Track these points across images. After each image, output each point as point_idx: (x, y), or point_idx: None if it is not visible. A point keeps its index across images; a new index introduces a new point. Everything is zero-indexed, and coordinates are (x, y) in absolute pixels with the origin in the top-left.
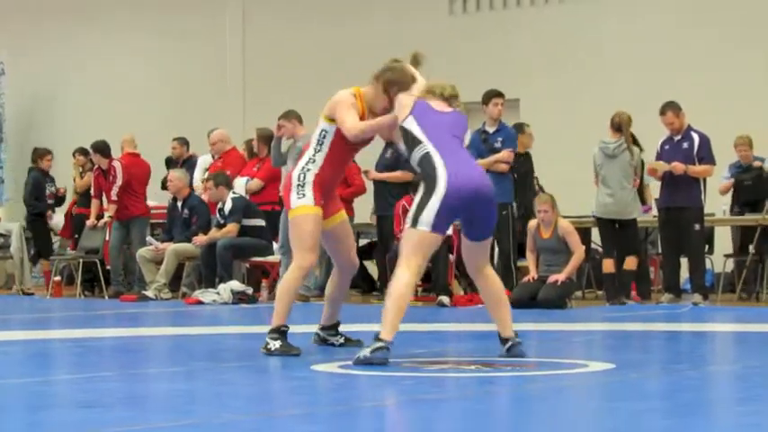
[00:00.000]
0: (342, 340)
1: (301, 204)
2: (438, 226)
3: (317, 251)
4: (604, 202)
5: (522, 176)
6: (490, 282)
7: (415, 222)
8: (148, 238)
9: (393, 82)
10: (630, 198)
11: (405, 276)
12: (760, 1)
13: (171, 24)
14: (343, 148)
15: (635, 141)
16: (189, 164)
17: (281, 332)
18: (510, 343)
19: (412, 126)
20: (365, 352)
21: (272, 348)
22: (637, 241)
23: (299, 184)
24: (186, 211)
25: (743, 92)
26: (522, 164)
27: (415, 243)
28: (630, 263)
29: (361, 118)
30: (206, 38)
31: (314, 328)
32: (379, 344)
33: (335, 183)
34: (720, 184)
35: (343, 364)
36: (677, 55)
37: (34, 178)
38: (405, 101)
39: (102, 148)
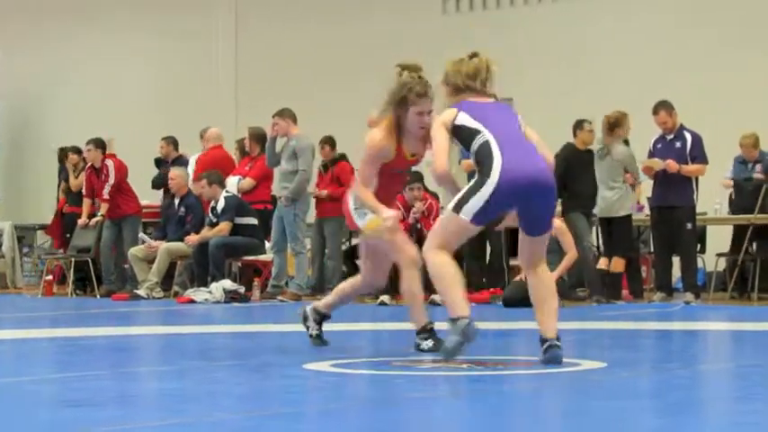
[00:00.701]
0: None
1: (370, 219)
2: (479, 217)
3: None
4: (598, 201)
5: (585, 174)
6: (540, 280)
7: (458, 208)
8: (141, 235)
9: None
10: (616, 197)
11: (437, 257)
12: (756, 1)
13: (165, 25)
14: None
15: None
16: (178, 163)
17: (428, 331)
18: (547, 344)
19: (465, 120)
20: (453, 337)
21: (426, 348)
22: (625, 241)
23: (355, 207)
24: (183, 209)
25: (739, 91)
26: (585, 160)
27: (450, 230)
28: (616, 264)
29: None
30: (199, 38)
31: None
32: (463, 321)
33: (388, 202)
34: (723, 180)
35: (336, 363)
36: (670, 54)
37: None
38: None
39: (103, 145)
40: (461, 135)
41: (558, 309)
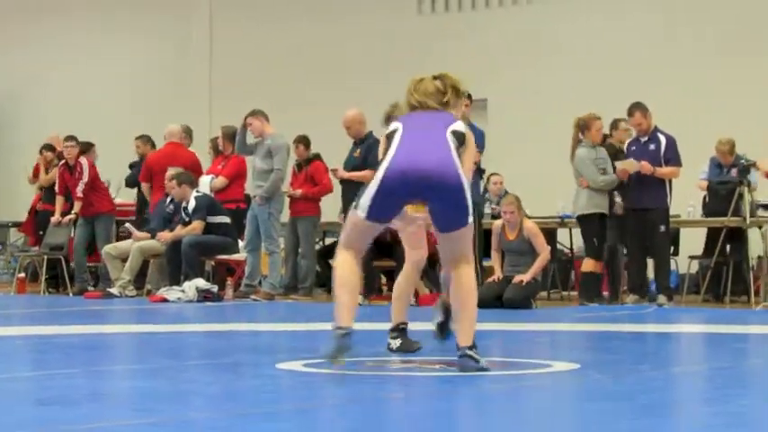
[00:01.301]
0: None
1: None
2: (373, 212)
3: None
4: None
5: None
6: (459, 283)
7: (356, 205)
8: (127, 225)
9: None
10: (578, 197)
11: (339, 256)
12: (734, 7)
13: (141, 26)
14: None
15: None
16: None
17: (399, 330)
18: (460, 352)
19: (394, 126)
20: (330, 343)
21: (393, 347)
22: (588, 241)
23: None
24: (172, 207)
25: (715, 94)
26: (622, 159)
27: (350, 227)
28: (585, 264)
29: None
30: (174, 40)
31: (281, 327)
32: (338, 332)
33: None
34: (699, 181)
35: (308, 363)
36: (645, 55)
37: None
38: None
39: (80, 143)
40: (389, 142)
41: (474, 312)
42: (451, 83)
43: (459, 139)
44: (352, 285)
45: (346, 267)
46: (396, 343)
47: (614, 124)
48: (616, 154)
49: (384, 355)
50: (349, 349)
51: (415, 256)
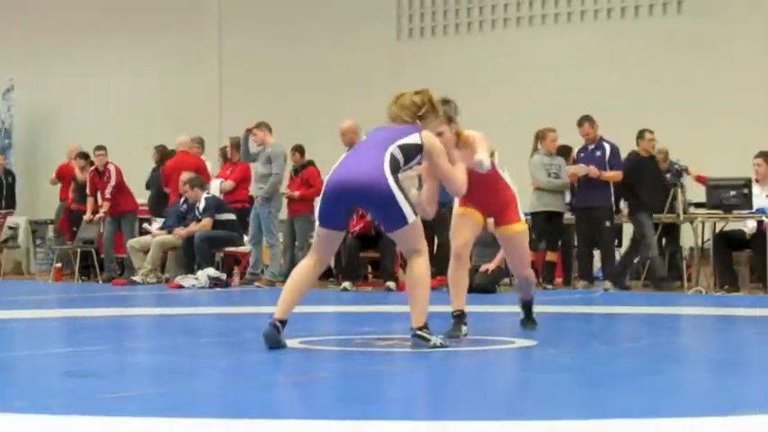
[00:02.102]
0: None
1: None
2: (322, 220)
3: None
4: None
5: (650, 178)
6: (410, 271)
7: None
8: (145, 226)
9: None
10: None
11: (301, 260)
12: (669, 28)
13: (160, 46)
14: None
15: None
16: None
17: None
18: (412, 332)
19: None
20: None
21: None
22: (543, 235)
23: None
24: (185, 206)
25: (652, 108)
26: (647, 166)
27: (315, 236)
28: (549, 255)
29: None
30: (188, 58)
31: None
32: (270, 321)
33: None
34: None
35: (304, 341)
36: (593, 76)
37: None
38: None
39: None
40: None
41: (423, 297)
42: (428, 97)
43: (410, 150)
44: (297, 289)
45: (301, 273)
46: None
47: (640, 134)
48: (641, 162)
49: (371, 333)
50: (274, 337)
51: (453, 247)
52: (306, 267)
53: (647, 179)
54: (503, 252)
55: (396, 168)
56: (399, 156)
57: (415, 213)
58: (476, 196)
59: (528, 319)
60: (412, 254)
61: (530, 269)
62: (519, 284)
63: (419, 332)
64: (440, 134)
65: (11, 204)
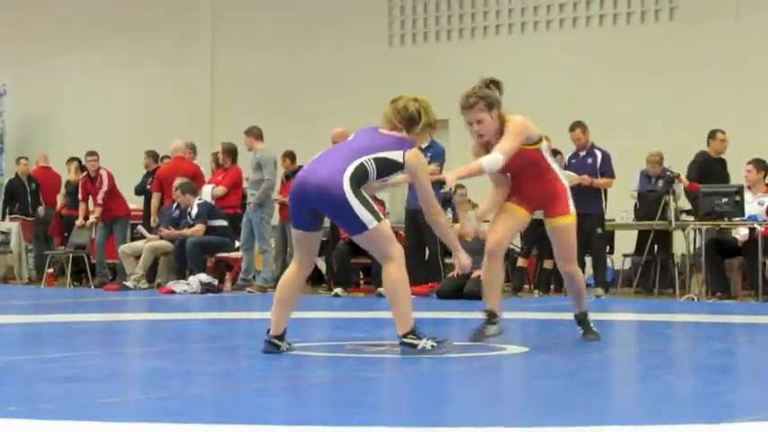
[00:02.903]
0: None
1: None
2: (292, 220)
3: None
4: None
5: (718, 181)
6: (384, 280)
7: None
8: (139, 227)
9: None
10: None
11: (287, 269)
12: (661, 37)
13: (152, 53)
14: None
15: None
16: (155, 174)
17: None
18: (398, 341)
19: None
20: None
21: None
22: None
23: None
24: (178, 212)
25: (643, 115)
26: (717, 167)
27: (292, 239)
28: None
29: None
30: (181, 65)
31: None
32: (266, 337)
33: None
34: (631, 192)
35: (296, 346)
36: (586, 83)
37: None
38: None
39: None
40: None
41: (402, 303)
42: (424, 106)
43: (387, 167)
44: (285, 300)
45: (286, 282)
46: (489, 329)
47: (712, 134)
48: (709, 163)
49: (361, 340)
50: (274, 353)
51: (487, 246)
52: (290, 275)
53: (715, 180)
54: None
55: (361, 178)
56: (371, 168)
57: (378, 219)
58: (522, 188)
59: (587, 332)
60: (383, 260)
61: (573, 266)
62: (567, 287)
63: (405, 339)
64: (479, 121)
65: (30, 212)
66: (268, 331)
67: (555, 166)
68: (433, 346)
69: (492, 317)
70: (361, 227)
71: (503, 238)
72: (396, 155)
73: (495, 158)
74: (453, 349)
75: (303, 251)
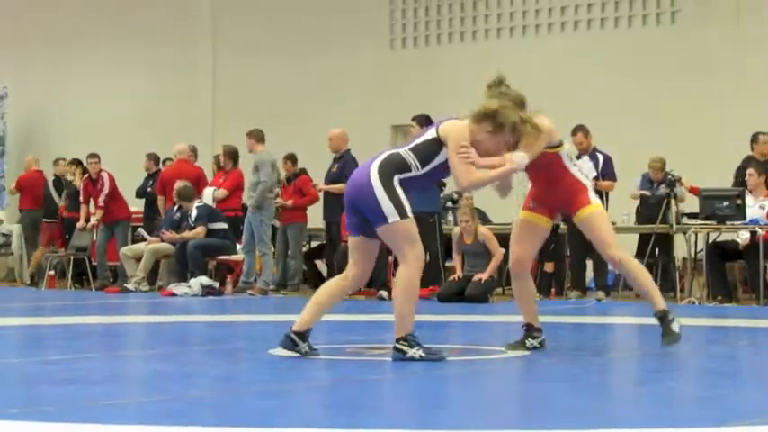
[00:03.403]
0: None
1: None
2: (346, 225)
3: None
4: None
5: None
6: (394, 280)
7: None
8: (140, 230)
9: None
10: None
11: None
12: (666, 34)
13: (154, 58)
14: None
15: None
16: (155, 177)
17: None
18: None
19: None
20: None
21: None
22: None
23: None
24: (179, 214)
25: (643, 117)
26: (764, 169)
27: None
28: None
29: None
30: (183, 69)
31: (273, 318)
32: (287, 331)
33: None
34: (632, 192)
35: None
36: (594, 83)
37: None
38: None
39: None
40: None
41: (401, 308)
42: (499, 103)
43: (426, 148)
44: (319, 302)
45: (328, 285)
46: (531, 342)
47: (754, 138)
48: (758, 165)
49: (361, 343)
50: (289, 349)
51: (510, 259)
52: (334, 280)
53: None
54: (495, 261)
55: (399, 167)
56: (409, 157)
57: (403, 216)
58: (541, 194)
59: (664, 332)
60: (400, 259)
61: (613, 250)
62: (629, 282)
63: (397, 344)
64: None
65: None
66: (291, 327)
67: (574, 170)
68: (421, 356)
69: (530, 330)
70: (382, 219)
71: (524, 259)
72: (429, 134)
73: (522, 156)
74: (445, 362)
75: (355, 258)
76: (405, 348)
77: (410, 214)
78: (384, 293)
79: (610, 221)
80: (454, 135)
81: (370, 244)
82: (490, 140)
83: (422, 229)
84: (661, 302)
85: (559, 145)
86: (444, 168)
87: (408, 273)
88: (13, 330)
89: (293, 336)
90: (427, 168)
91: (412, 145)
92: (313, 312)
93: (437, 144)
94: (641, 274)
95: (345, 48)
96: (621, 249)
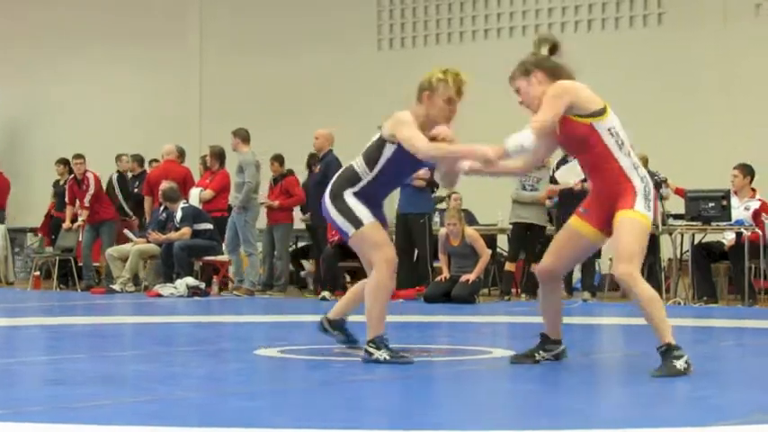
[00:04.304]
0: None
1: None
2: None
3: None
4: None
5: None
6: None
7: None
8: (125, 231)
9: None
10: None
11: None
12: (653, 36)
13: (141, 58)
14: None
15: None
16: (141, 178)
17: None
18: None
19: None
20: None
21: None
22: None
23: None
24: (164, 215)
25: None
26: None
27: None
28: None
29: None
30: (169, 69)
31: (259, 319)
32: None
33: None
34: None
35: (283, 349)
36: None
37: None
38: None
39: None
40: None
41: (371, 310)
42: (431, 75)
43: (372, 151)
44: (354, 290)
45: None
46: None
47: None
48: None
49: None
50: (322, 333)
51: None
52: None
53: None
54: (482, 263)
55: (351, 180)
56: (360, 167)
57: (357, 226)
58: (592, 189)
59: (663, 366)
60: (371, 266)
61: (624, 265)
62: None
63: (366, 346)
64: (517, 91)
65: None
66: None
67: (623, 158)
68: (386, 359)
69: (545, 341)
70: (345, 234)
71: (555, 270)
72: (376, 135)
73: (522, 136)
74: (411, 365)
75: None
76: (371, 350)
77: (366, 220)
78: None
79: (646, 236)
80: (397, 117)
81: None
82: (431, 108)
83: (412, 229)
84: (670, 336)
85: (596, 114)
86: (395, 164)
87: (378, 276)
88: None
89: (323, 321)
90: (376, 170)
91: (363, 150)
92: (346, 301)
93: (383, 142)
94: (649, 304)
95: (333, 48)
96: (635, 269)
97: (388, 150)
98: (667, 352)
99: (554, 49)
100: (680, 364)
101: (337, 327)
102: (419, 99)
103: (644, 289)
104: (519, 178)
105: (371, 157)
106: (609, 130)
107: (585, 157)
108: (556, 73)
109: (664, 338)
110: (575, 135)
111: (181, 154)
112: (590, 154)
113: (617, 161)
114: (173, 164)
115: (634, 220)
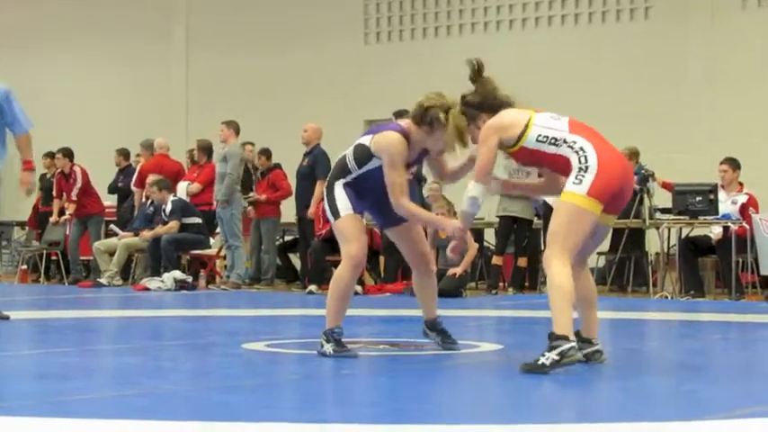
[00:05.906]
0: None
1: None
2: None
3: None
4: None
5: None
6: None
7: None
8: (111, 227)
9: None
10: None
11: None
12: (641, 30)
13: (127, 50)
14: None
15: None
16: (126, 172)
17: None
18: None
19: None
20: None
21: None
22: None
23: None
24: (152, 209)
25: (618, 112)
26: None
27: None
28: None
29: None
30: (156, 62)
31: (247, 312)
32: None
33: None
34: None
35: (270, 343)
36: (564, 78)
37: None
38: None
39: (69, 153)
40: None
41: (331, 302)
42: (420, 104)
43: (361, 154)
44: (416, 290)
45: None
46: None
47: None
48: None
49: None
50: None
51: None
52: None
53: None
54: (469, 257)
55: (344, 171)
56: (350, 161)
57: (337, 216)
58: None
59: (537, 359)
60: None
61: (546, 252)
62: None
63: (322, 336)
64: (473, 140)
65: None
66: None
67: (556, 149)
68: (330, 353)
69: (550, 339)
70: (330, 221)
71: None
72: (366, 139)
73: (471, 191)
74: (355, 358)
75: (403, 250)
76: (323, 342)
77: (344, 212)
78: (357, 288)
79: (571, 215)
80: (389, 150)
81: (397, 233)
82: (428, 139)
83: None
84: (560, 327)
85: (522, 137)
86: (380, 173)
87: (339, 270)
88: None
89: (424, 326)
90: (363, 170)
91: (356, 143)
92: (420, 301)
93: (370, 153)
94: (552, 289)
95: (319, 42)
96: (553, 253)
97: (374, 163)
98: (549, 342)
99: (480, 69)
100: (547, 358)
101: (433, 328)
102: (417, 125)
103: (554, 274)
104: (508, 170)
105: (360, 158)
106: (537, 139)
107: (539, 167)
108: (492, 106)
109: (554, 327)
110: (518, 159)
111: (147, 148)
112: (538, 164)
113: (559, 155)
114: (165, 158)
115: (562, 203)
